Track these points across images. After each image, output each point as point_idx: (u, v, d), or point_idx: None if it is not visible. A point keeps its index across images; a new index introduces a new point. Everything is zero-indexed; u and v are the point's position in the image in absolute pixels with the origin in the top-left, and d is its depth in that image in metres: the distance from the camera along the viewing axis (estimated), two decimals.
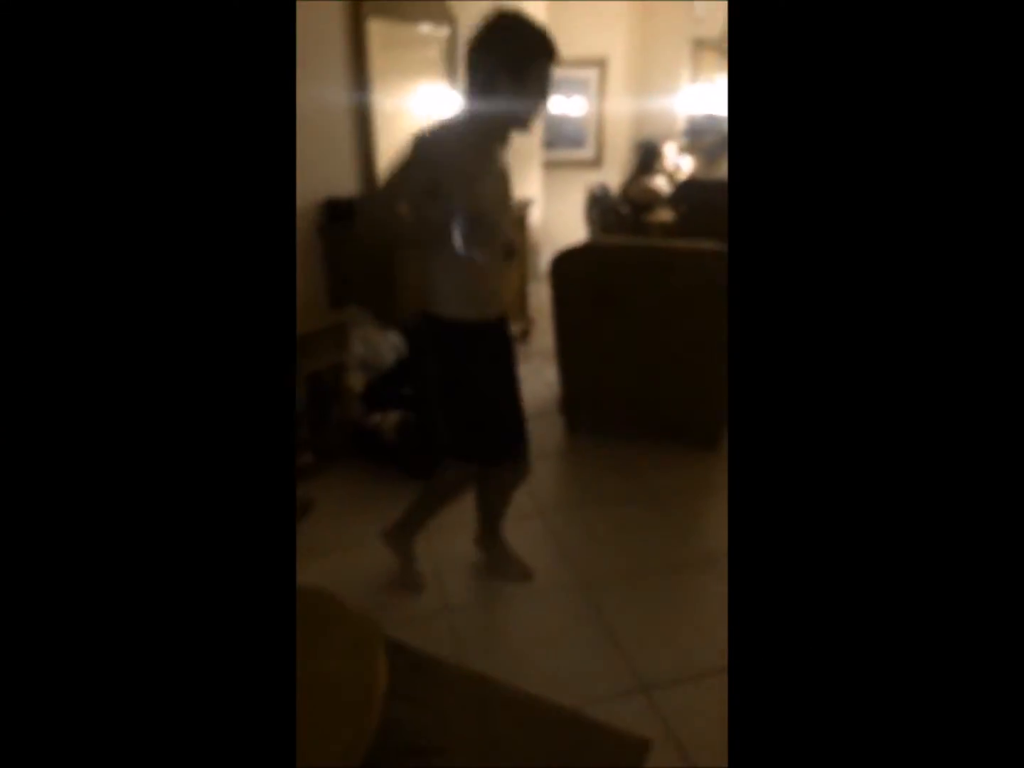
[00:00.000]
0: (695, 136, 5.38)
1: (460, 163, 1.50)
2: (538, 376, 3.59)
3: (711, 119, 5.33)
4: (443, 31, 3.64)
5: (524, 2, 4.07)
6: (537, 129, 4.41)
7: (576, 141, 5.55)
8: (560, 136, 5.40)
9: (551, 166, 5.32)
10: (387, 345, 3.02)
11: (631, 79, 5.70)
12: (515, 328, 3.98)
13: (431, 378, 1.78)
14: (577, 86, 5.44)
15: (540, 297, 4.61)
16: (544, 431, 3.01)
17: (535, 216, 4.39)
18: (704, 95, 5.36)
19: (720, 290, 2.53)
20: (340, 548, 2.24)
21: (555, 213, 5.22)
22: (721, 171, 5.24)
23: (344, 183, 3.19)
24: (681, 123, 5.77)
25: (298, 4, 2.09)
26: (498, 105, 1.49)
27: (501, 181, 1.64)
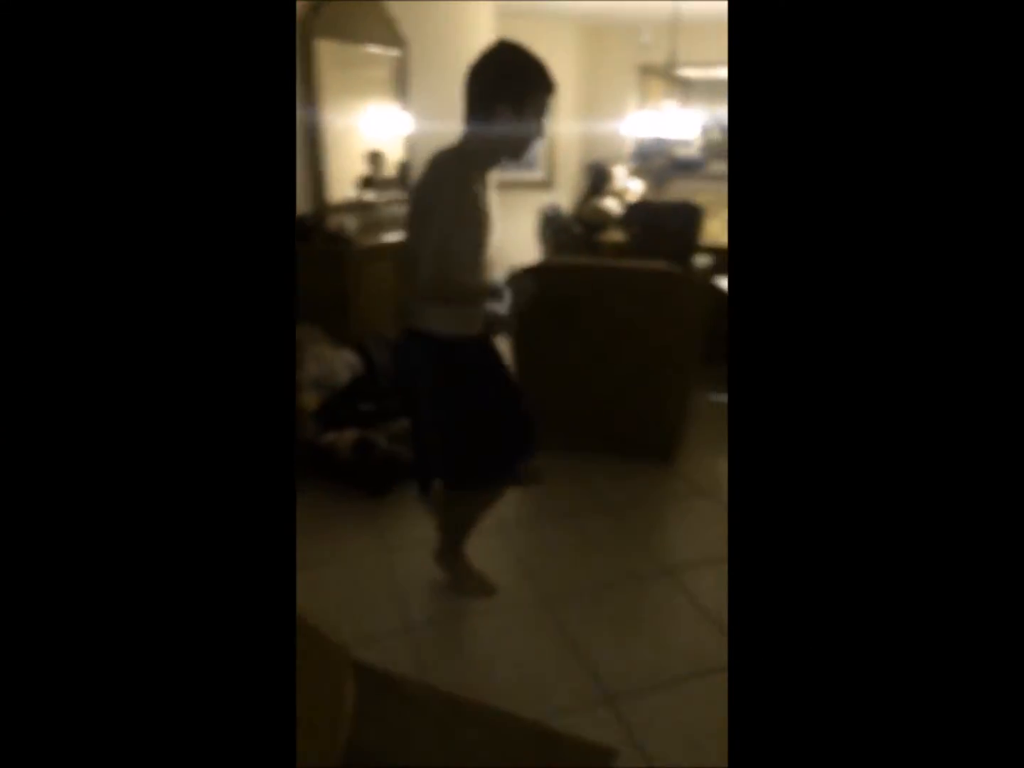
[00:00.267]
0: (643, 159, 5.53)
1: (460, 187, 1.52)
2: None
3: (658, 143, 5.49)
4: (393, 52, 3.67)
5: (474, 24, 4.15)
6: None
7: (527, 163, 5.64)
8: None
9: (503, 187, 5.38)
10: (341, 363, 2.99)
11: (580, 103, 5.84)
12: None
13: (429, 399, 1.72)
14: None
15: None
16: None
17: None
18: (651, 120, 5.52)
19: (672, 307, 2.60)
20: (299, 568, 2.19)
21: (508, 233, 5.27)
22: (668, 194, 5.39)
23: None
24: (629, 146, 5.92)
25: None
26: (496, 133, 1.53)
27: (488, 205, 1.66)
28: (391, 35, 3.59)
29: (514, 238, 5.43)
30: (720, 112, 6.09)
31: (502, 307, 1.66)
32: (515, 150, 1.59)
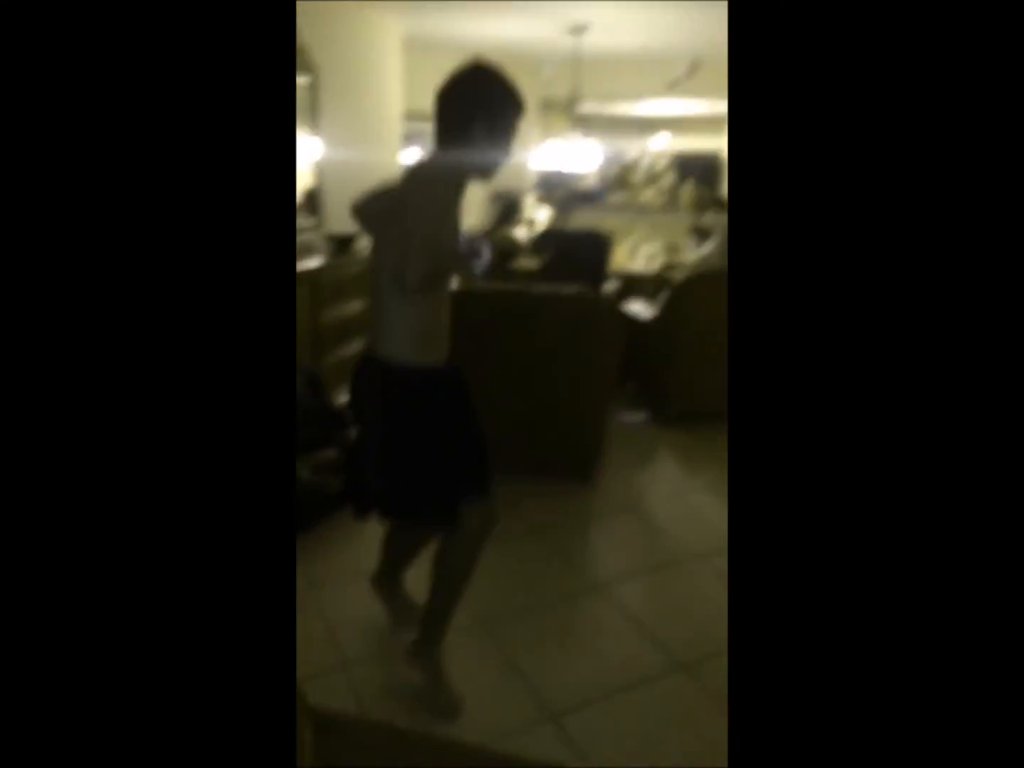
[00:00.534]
0: (548, 189, 5.71)
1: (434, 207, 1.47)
2: None
3: (560, 174, 5.69)
4: (304, 79, 3.64)
5: (383, 52, 4.19)
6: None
7: None
8: None
9: None
10: None
11: None
12: None
13: (374, 429, 1.62)
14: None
15: None
16: None
17: None
18: (554, 152, 5.72)
19: (590, 331, 2.70)
20: None
21: None
22: (571, 222, 5.59)
23: None
24: (532, 177, 6.11)
25: None
26: (470, 154, 1.51)
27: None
28: (302, 61, 3.57)
29: None
30: (618, 145, 6.39)
31: (479, 263, 1.63)
32: (486, 171, 1.57)
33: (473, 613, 2.10)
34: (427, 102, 5.62)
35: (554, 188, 5.65)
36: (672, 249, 5.30)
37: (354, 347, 3.59)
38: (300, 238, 3.71)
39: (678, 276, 4.45)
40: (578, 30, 4.66)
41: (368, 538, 2.54)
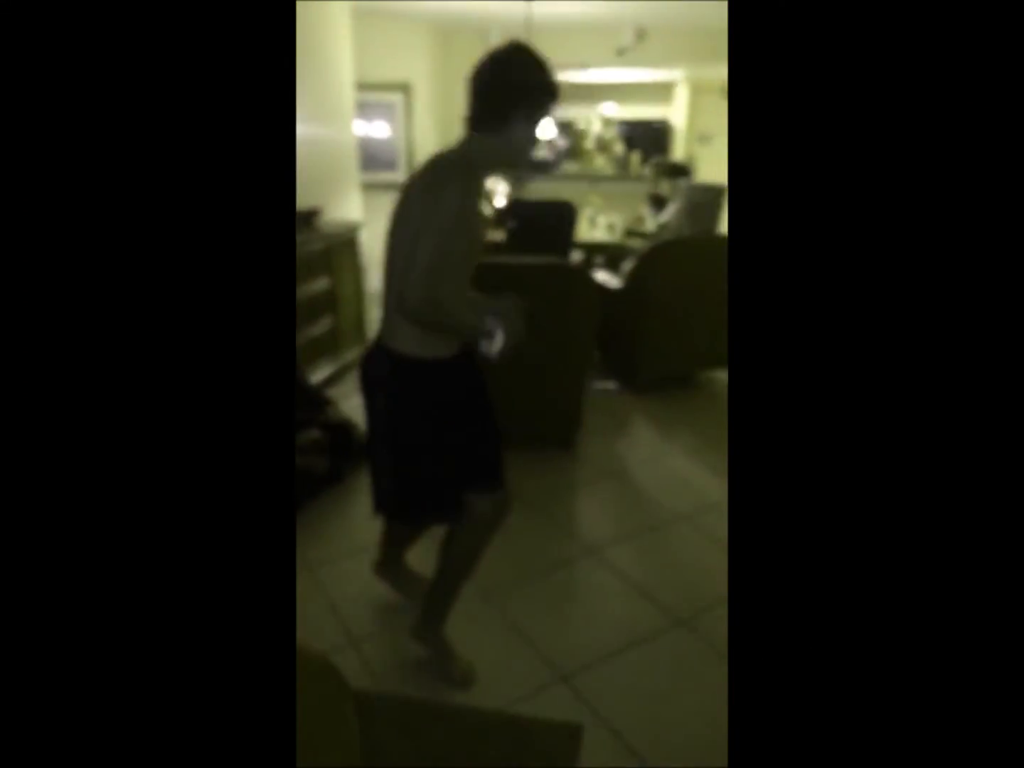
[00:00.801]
0: None
1: (464, 197, 1.38)
2: None
3: None
4: None
5: (331, 23, 4.05)
6: (352, 151, 4.38)
7: (388, 164, 5.58)
8: (372, 159, 5.40)
9: (365, 188, 5.30)
10: None
11: (436, 104, 5.86)
12: (354, 353, 3.91)
13: (381, 421, 1.58)
14: (384, 110, 5.48)
15: (376, 321, 4.57)
16: None
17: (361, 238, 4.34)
18: None
19: (568, 301, 2.72)
20: None
21: (375, 235, 5.20)
22: (527, 193, 5.57)
23: None
24: None
25: None
26: (504, 141, 1.45)
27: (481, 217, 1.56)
28: None
29: (382, 239, 5.36)
30: (568, 113, 6.35)
31: (491, 344, 1.48)
32: (518, 159, 1.51)
33: (473, 583, 2.12)
34: (379, 71, 5.51)
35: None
36: (632, 218, 5.34)
37: (323, 324, 3.52)
38: None
39: (638, 245, 4.51)
40: None
41: (357, 515, 2.53)
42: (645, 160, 7.38)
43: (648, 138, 8.03)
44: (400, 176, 5.69)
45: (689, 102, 8.09)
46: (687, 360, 3.79)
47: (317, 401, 2.74)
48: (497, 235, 3.95)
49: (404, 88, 5.52)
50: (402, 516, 1.72)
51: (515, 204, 4.08)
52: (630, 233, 4.91)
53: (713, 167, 7.35)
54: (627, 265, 3.72)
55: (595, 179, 6.99)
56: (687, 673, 1.79)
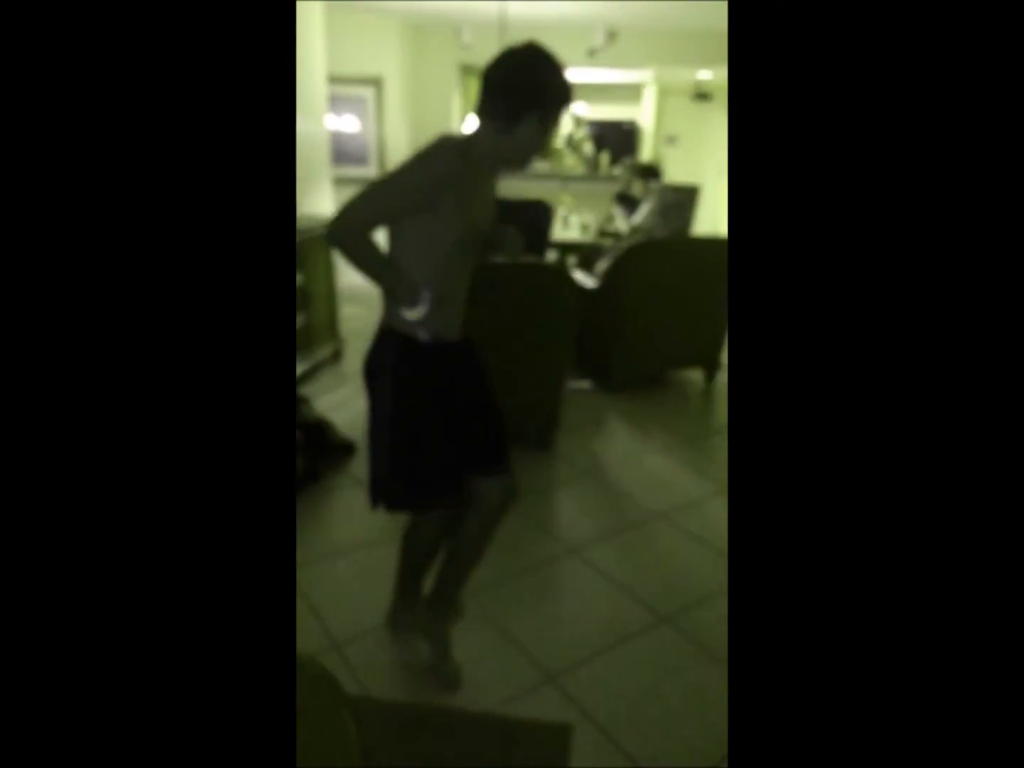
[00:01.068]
0: None
1: (464, 185, 1.41)
2: (362, 396, 3.49)
3: None
4: None
5: (303, 16, 3.97)
6: (324, 145, 4.31)
7: (359, 159, 5.51)
8: (343, 153, 5.32)
9: (336, 183, 5.22)
10: None
11: (407, 99, 5.81)
12: (327, 351, 3.84)
13: (383, 405, 1.54)
14: (354, 104, 5.41)
15: (348, 317, 4.50)
16: None
17: None
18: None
19: (548, 300, 2.71)
20: None
21: None
22: (500, 191, 5.54)
23: None
24: None
25: None
26: (512, 140, 1.43)
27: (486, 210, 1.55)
28: None
29: None
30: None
31: (412, 311, 1.46)
32: (524, 160, 1.50)
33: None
34: (350, 65, 5.46)
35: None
36: (603, 218, 5.37)
37: (297, 318, 3.46)
38: None
39: (610, 244, 4.53)
40: None
41: (335, 515, 2.50)
42: (614, 160, 7.43)
43: (617, 139, 8.09)
44: (371, 171, 5.62)
45: (657, 104, 8.18)
46: (660, 359, 3.83)
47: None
48: None
49: (375, 82, 5.46)
50: (405, 501, 1.66)
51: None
52: (603, 233, 4.93)
53: (680, 168, 7.45)
54: (601, 265, 3.74)
55: (565, 178, 7.01)
56: (673, 670, 1.80)
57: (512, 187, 6.38)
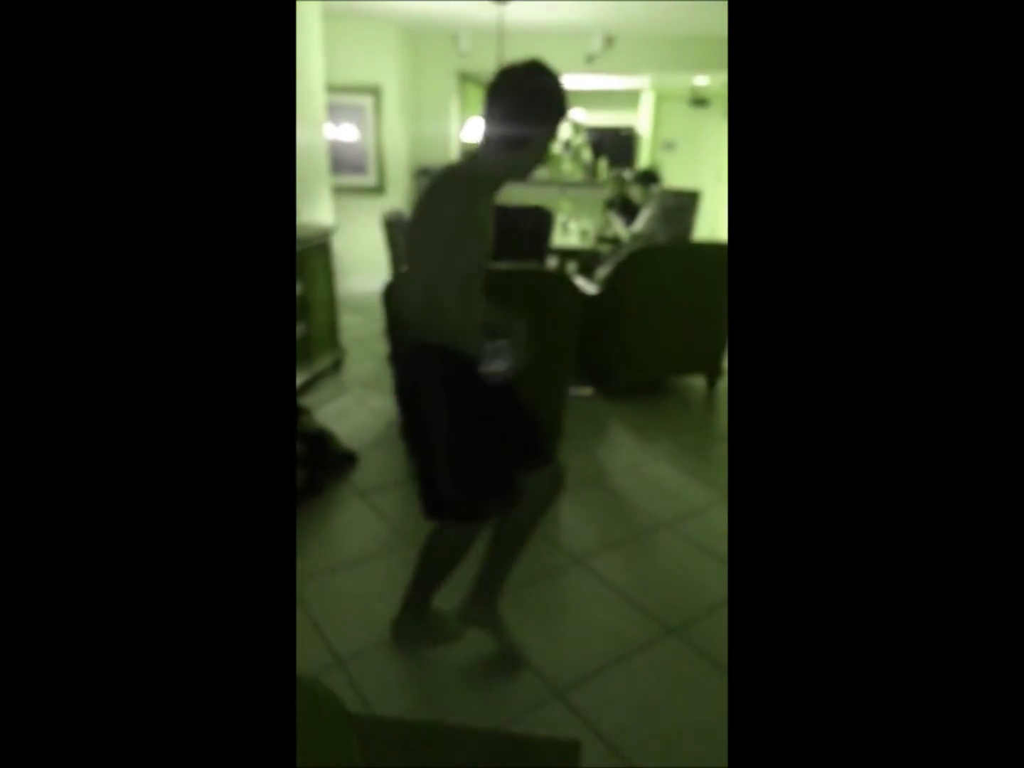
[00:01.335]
0: None
1: (479, 210, 1.45)
2: (364, 406, 3.48)
3: None
4: None
5: (301, 24, 3.97)
6: (323, 154, 4.30)
7: (357, 167, 5.50)
8: (342, 162, 5.31)
9: (337, 192, 5.22)
10: None
11: (405, 107, 5.80)
12: (327, 360, 3.82)
13: (438, 418, 1.55)
14: (353, 112, 5.40)
15: (348, 326, 4.49)
16: (386, 459, 2.93)
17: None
18: (475, 125, 5.64)
19: (552, 307, 2.69)
20: None
21: (346, 240, 5.12)
22: (500, 198, 5.53)
23: None
24: (454, 151, 6.00)
25: None
26: (516, 157, 1.47)
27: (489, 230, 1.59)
28: None
29: (355, 245, 5.28)
30: None
31: (491, 364, 1.50)
32: (529, 172, 1.53)
33: (461, 596, 2.08)
34: (348, 73, 5.45)
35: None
36: (602, 224, 5.36)
37: (297, 328, 3.44)
38: None
39: (607, 250, 4.52)
40: None
41: (338, 528, 2.47)
42: (612, 166, 7.43)
43: (615, 145, 8.10)
44: (371, 180, 5.62)
45: (654, 110, 8.19)
46: (662, 366, 3.81)
47: None
48: None
49: (374, 91, 5.45)
50: (471, 511, 1.66)
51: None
52: (601, 239, 4.92)
53: (677, 173, 7.45)
54: (602, 271, 3.72)
55: (564, 185, 7.01)
56: (682, 683, 1.77)
57: (511, 193, 6.38)
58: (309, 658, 1.82)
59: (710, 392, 3.85)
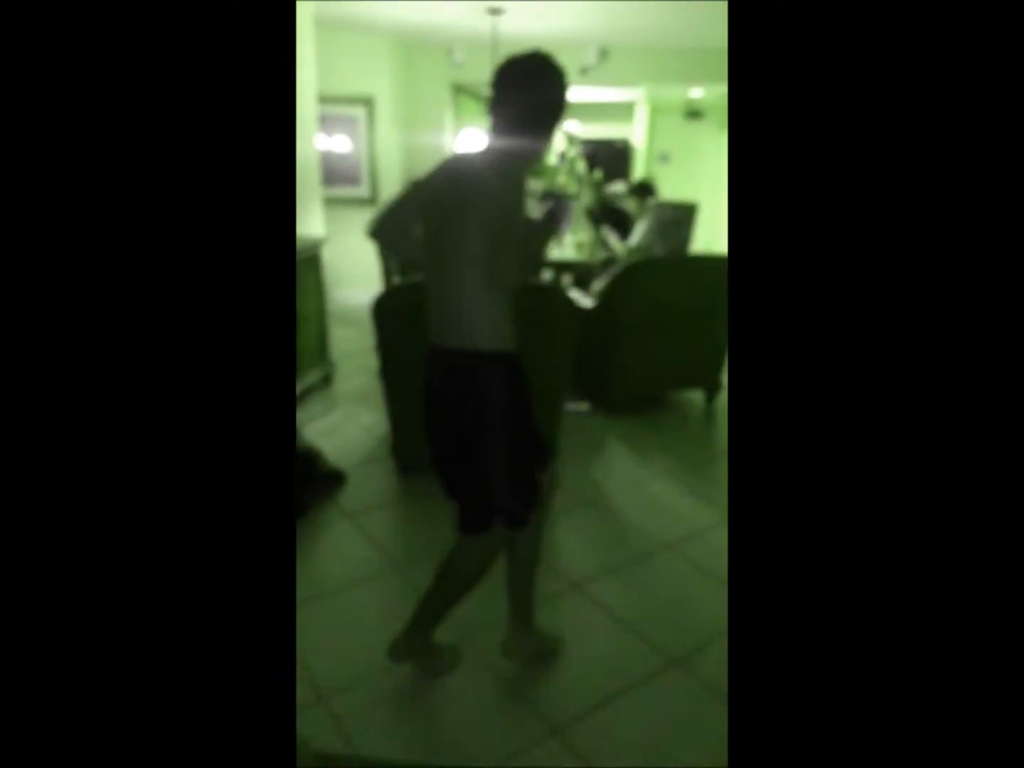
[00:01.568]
0: None
1: (514, 197, 1.46)
2: (354, 421, 3.38)
3: None
4: None
5: (296, 33, 3.90)
6: (315, 165, 4.23)
7: (350, 178, 5.43)
8: (335, 173, 5.24)
9: (329, 203, 5.14)
10: None
11: (399, 118, 5.74)
12: (317, 374, 3.73)
13: (503, 424, 1.51)
14: (346, 123, 5.34)
15: (339, 339, 4.39)
16: (376, 478, 2.83)
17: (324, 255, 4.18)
18: (468, 136, 5.59)
19: (548, 321, 2.61)
20: None
21: (337, 251, 5.04)
22: None
23: None
24: None
25: None
26: (534, 144, 1.51)
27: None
28: None
29: (345, 256, 5.21)
30: None
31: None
32: (534, 165, 1.60)
33: (455, 625, 1.98)
34: (341, 84, 5.38)
35: None
36: (595, 241, 5.30)
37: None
38: None
39: (600, 263, 4.45)
40: (496, 11, 4.54)
41: (325, 553, 2.37)
42: (607, 179, 7.38)
43: (609, 157, 8.07)
44: (363, 191, 5.54)
45: (649, 122, 8.16)
46: (659, 380, 3.73)
47: None
48: None
49: (367, 101, 5.39)
50: (525, 514, 1.63)
51: None
52: (597, 252, 4.84)
53: (672, 186, 7.41)
54: (598, 284, 3.65)
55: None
56: (686, 718, 1.68)
57: None
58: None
59: (709, 407, 3.77)
